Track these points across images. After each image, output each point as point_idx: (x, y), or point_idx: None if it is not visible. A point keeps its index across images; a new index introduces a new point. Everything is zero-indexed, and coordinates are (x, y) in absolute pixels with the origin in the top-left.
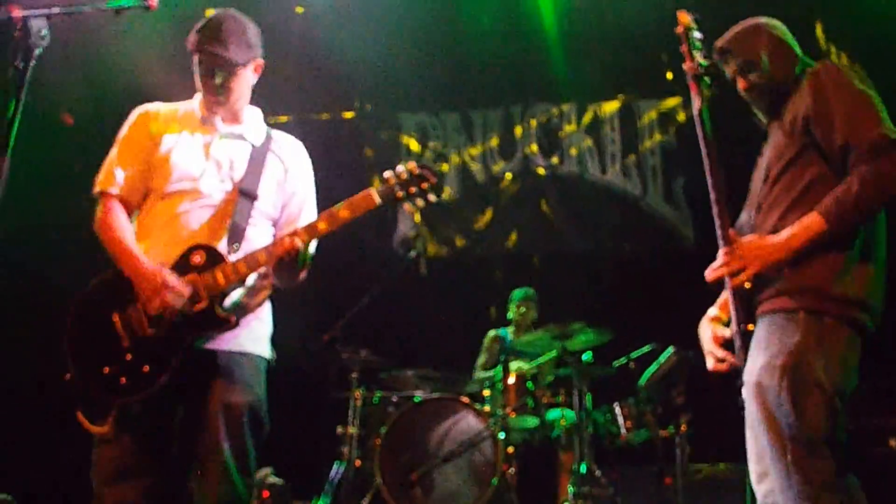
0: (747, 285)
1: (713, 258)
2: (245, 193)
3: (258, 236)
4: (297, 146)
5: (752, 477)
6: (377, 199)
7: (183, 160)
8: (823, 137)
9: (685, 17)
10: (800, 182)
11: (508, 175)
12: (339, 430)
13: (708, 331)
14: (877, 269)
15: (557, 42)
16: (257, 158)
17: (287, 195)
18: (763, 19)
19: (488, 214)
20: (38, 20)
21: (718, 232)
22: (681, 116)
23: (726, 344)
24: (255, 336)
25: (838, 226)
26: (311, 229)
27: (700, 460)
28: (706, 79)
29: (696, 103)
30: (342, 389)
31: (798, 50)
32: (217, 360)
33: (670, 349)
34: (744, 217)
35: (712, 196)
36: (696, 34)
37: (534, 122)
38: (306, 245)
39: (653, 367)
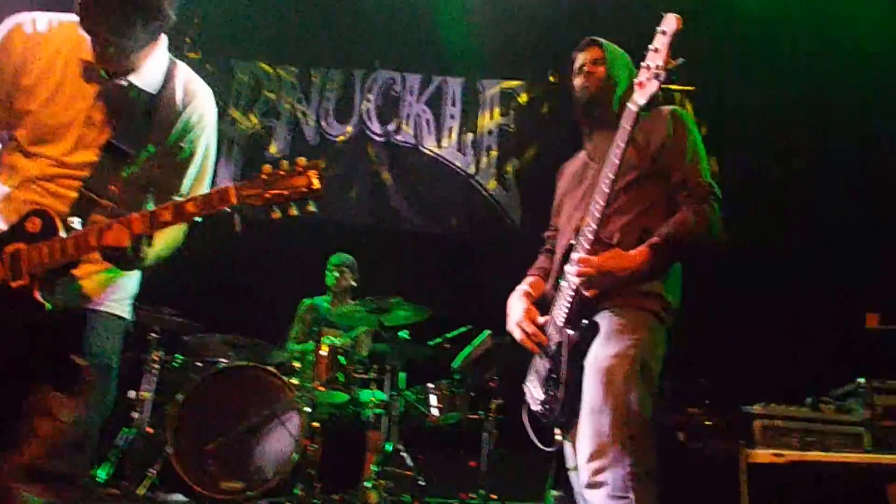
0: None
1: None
2: (115, 152)
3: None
4: (203, 92)
5: (583, 454)
6: (234, 199)
7: (50, 113)
8: (669, 167)
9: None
10: (646, 198)
11: (341, 138)
12: (132, 394)
13: (522, 305)
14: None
15: (409, 10)
16: (144, 109)
17: (174, 154)
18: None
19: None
20: None
21: (590, 235)
22: (522, 98)
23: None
24: (117, 294)
25: (672, 248)
26: (151, 218)
27: (508, 446)
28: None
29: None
30: (138, 350)
31: None
32: (68, 319)
33: (486, 332)
34: (566, 208)
35: (606, 190)
36: None
37: (375, 88)
38: (136, 238)
39: (467, 350)
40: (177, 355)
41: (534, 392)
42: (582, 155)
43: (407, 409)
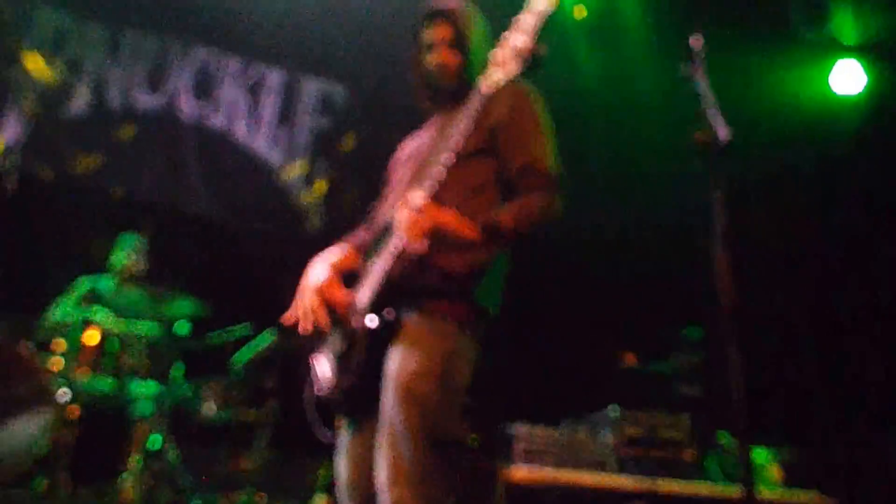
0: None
1: None
2: None
3: None
4: None
5: (381, 476)
6: None
7: None
8: (506, 150)
9: None
10: (476, 177)
11: (148, 110)
12: None
13: (325, 275)
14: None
15: None
16: None
17: None
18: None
19: (117, 145)
20: None
21: (428, 190)
22: (341, 99)
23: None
24: None
25: (515, 231)
26: None
27: (280, 448)
28: None
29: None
30: None
31: None
32: None
33: (270, 331)
34: (400, 184)
35: (449, 156)
36: None
37: (192, 65)
38: None
39: (249, 348)
40: None
41: (323, 369)
42: (425, 131)
43: (179, 402)
